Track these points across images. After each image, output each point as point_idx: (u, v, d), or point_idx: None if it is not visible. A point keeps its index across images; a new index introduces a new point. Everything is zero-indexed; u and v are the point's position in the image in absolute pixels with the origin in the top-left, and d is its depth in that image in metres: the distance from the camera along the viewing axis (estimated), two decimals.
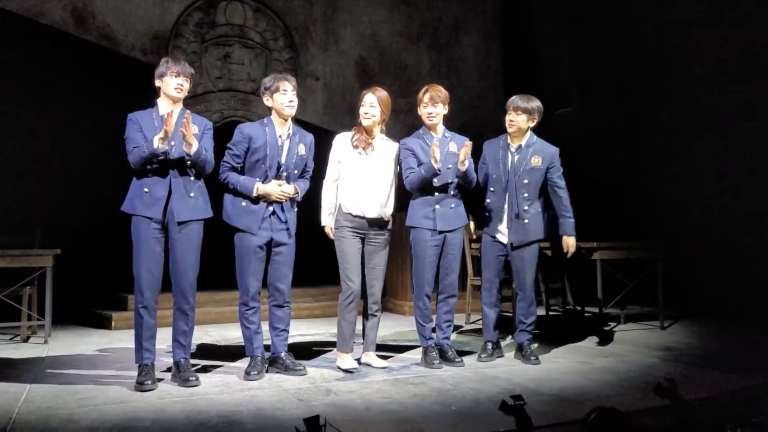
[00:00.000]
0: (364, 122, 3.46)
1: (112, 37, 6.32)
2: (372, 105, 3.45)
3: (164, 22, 6.55)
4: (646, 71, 6.28)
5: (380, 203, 3.46)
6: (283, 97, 3.31)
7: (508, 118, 3.69)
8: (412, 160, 3.53)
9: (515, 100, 3.69)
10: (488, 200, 3.72)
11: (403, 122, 7.26)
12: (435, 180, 3.49)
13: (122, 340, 4.51)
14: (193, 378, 3.11)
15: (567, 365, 3.58)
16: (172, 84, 3.15)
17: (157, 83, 3.19)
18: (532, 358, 3.66)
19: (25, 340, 4.47)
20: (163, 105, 3.19)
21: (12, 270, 4.29)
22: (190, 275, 3.17)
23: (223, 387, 3.06)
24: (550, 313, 5.34)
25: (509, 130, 3.70)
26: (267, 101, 3.36)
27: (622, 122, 6.56)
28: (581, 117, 7.10)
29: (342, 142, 3.52)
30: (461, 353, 3.69)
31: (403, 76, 7.68)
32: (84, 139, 5.86)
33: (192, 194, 3.16)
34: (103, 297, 5.48)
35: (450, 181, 3.54)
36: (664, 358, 3.78)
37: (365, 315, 3.52)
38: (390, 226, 3.57)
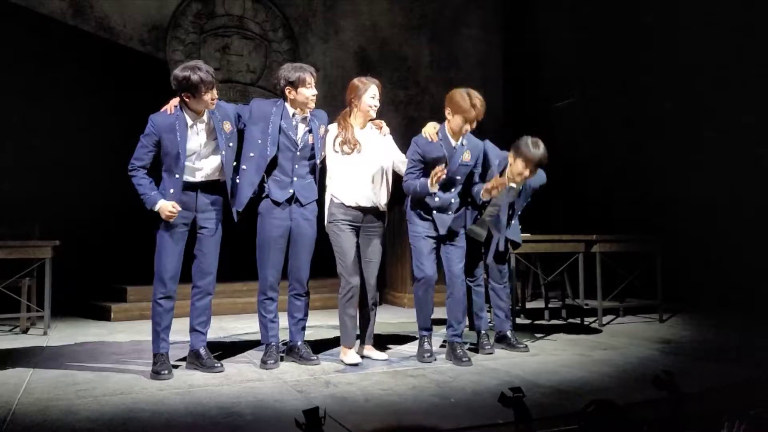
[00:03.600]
0: (374, 114, 3.44)
1: (110, 27, 6.29)
2: (380, 98, 3.44)
3: (162, 13, 6.52)
4: (646, 63, 6.26)
5: (374, 193, 3.41)
6: (308, 91, 3.29)
7: (524, 174, 3.50)
8: (419, 166, 3.40)
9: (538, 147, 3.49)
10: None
11: (402, 114, 7.25)
12: (436, 199, 3.41)
13: (121, 331, 4.52)
14: (218, 365, 3.19)
15: (565, 357, 3.59)
16: (207, 100, 3.08)
17: (186, 98, 3.07)
18: (520, 345, 3.73)
19: (25, 331, 4.47)
20: (189, 114, 3.12)
21: (11, 261, 4.28)
22: (214, 268, 3.25)
23: (222, 378, 3.07)
24: (549, 305, 5.34)
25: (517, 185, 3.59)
26: (289, 94, 3.30)
27: (623, 114, 6.54)
28: (581, 109, 7.09)
29: (329, 137, 3.45)
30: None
31: (402, 68, 7.66)
32: (82, 130, 5.84)
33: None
34: (102, 288, 5.49)
35: (452, 200, 3.45)
36: (662, 350, 3.79)
37: (362, 308, 3.50)
38: (386, 219, 3.53)
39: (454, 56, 7.88)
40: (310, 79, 3.28)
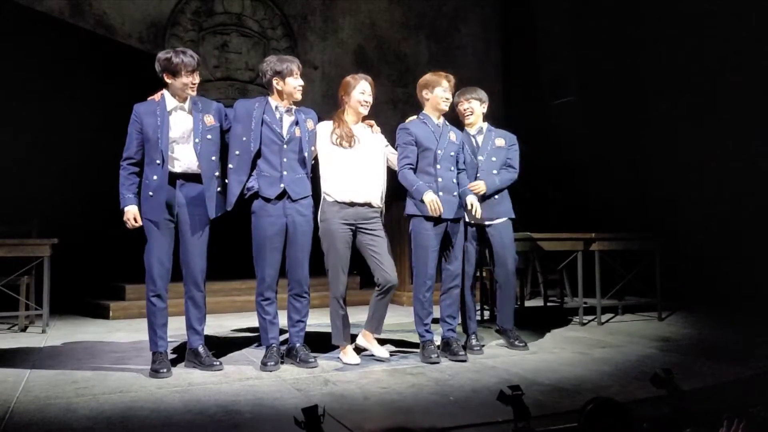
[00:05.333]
0: (365, 111, 3.43)
1: (108, 25, 6.28)
2: (371, 94, 3.43)
3: (161, 10, 6.50)
4: (645, 61, 6.26)
5: (368, 189, 3.38)
6: (296, 81, 3.28)
7: (462, 108, 3.81)
8: (411, 149, 3.44)
9: (465, 92, 3.83)
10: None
11: (401, 112, 7.23)
12: (439, 179, 3.44)
13: (120, 329, 4.52)
14: (217, 363, 3.19)
15: (565, 356, 3.59)
16: (187, 82, 3.10)
17: (167, 79, 3.11)
18: (520, 344, 3.74)
19: (23, 329, 4.47)
20: (170, 100, 3.14)
21: (9, 260, 4.28)
22: (200, 264, 3.21)
23: (221, 377, 3.07)
24: (548, 304, 5.35)
25: (468, 120, 3.82)
26: (277, 84, 3.29)
27: (622, 113, 6.54)
28: (580, 107, 7.09)
29: (321, 133, 3.41)
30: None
31: (401, 66, 7.65)
32: (81, 129, 5.83)
33: (219, 189, 3.22)
34: (100, 287, 5.48)
35: (453, 180, 3.49)
36: (661, 348, 3.79)
37: (377, 293, 3.39)
38: (383, 215, 3.49)
39: (453, 55, 7.87)
40: (296, 70, 3.28)
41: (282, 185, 3.23)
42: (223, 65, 6.72)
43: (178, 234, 3.17)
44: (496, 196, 3.76)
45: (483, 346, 3.70)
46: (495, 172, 3.76)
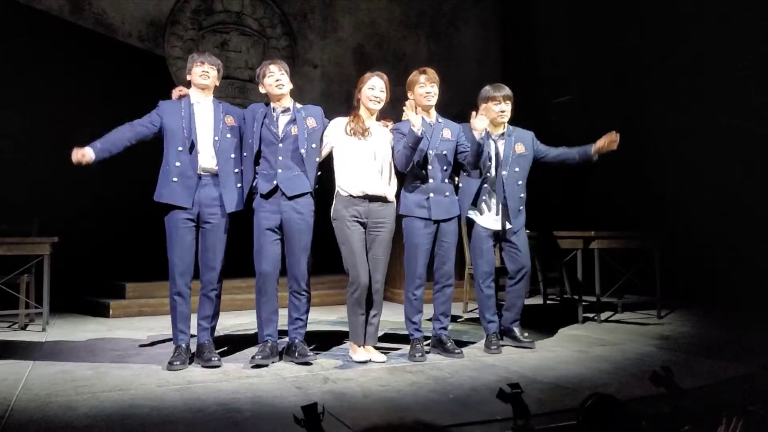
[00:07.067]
0: (374, 106, 3.42)
1: (108, 23, 6.28)
2: (382, 90, 3.44)
3: (161, 9, 6.50)
4: (646, 60, 6.26)
5: (382, 182, 3.39)
6: (269, 79, 3.37)
7: (497, 108, 3.68)
8: (401, 144, 3.44)
9: (500, 89, 3.73)
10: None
11: (400, 111, 7.23)
12: (431, 180, 3.44)
13: (120, 327, 4.52)
14: (215, 358, 3.23)
15: (564, 354, 3.59)
16: (198, 72, 3.32)
17: (188, 77, 3.39)
18: (527, 342, 3.71)
19: (23, 328, 4.47)
20: (194, 94, 3.36)
21: (9, 258, 4.28)
22: (218, 262, 3.30)
23: (221, 375, 3.07)
24: (548, 302, 5.35)
25: (501, 119, 3.70)
26: (261, 88, 3.46)
27: (621, 111, 6.54)
28: (580, 106, 7.08)
29: (336, 127, 3.44)
30: (459, 343, 3.69)
31: (401, 65, 7.63)
32: (81, 127, 5.79)
33: (239, 185, 3.34)
34: (100, 285, 5.48)
35: (446, 180, 3.50)
36: (660, 346, 3.79)
37: (366, 307, 3.41)
38: (395, 213, 3.48)
39: (453, 53, 7.87)
40: (271, 68, 3.37)
41: (275, 182, 3.30)
42: (222, 64, 6.71)
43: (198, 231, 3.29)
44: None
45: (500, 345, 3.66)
46: (520, 183, 3.70)
